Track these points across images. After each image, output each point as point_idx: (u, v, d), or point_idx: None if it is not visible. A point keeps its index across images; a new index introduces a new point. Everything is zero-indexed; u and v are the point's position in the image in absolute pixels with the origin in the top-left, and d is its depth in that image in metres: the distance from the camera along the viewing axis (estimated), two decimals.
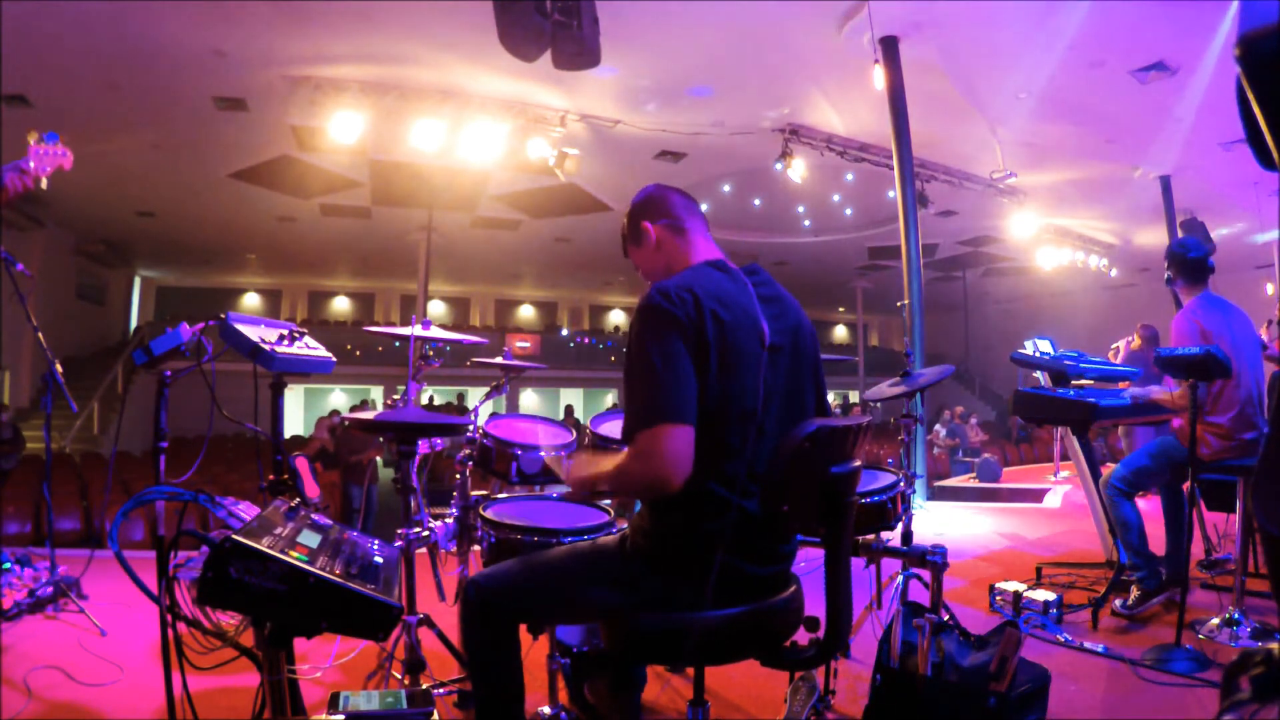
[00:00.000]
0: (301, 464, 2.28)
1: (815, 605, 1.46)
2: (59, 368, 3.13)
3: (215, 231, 14.53)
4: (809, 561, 2.01)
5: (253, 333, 2.15)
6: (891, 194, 8.77)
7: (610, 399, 21.28)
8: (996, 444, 13.04)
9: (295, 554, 1.36)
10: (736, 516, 1.39)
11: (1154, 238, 12.20)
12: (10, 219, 11.20)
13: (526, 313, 23.92)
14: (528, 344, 19.31)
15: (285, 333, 2.29)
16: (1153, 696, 2.46)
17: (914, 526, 3.00)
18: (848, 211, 13.75)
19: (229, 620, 1.65)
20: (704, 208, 1.72)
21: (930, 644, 1.92)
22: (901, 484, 2.60)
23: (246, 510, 1.69)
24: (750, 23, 6.54)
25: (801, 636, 1.49)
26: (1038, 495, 7.61)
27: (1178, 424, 3.23)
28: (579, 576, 1.53)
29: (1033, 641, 2.93)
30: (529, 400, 21.34)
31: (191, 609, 1.38)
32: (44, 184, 2.82)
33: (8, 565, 3.46)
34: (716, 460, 1.39)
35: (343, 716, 1.44)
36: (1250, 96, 0.72)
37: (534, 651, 2.11)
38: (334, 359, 2.45)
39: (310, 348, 2.37)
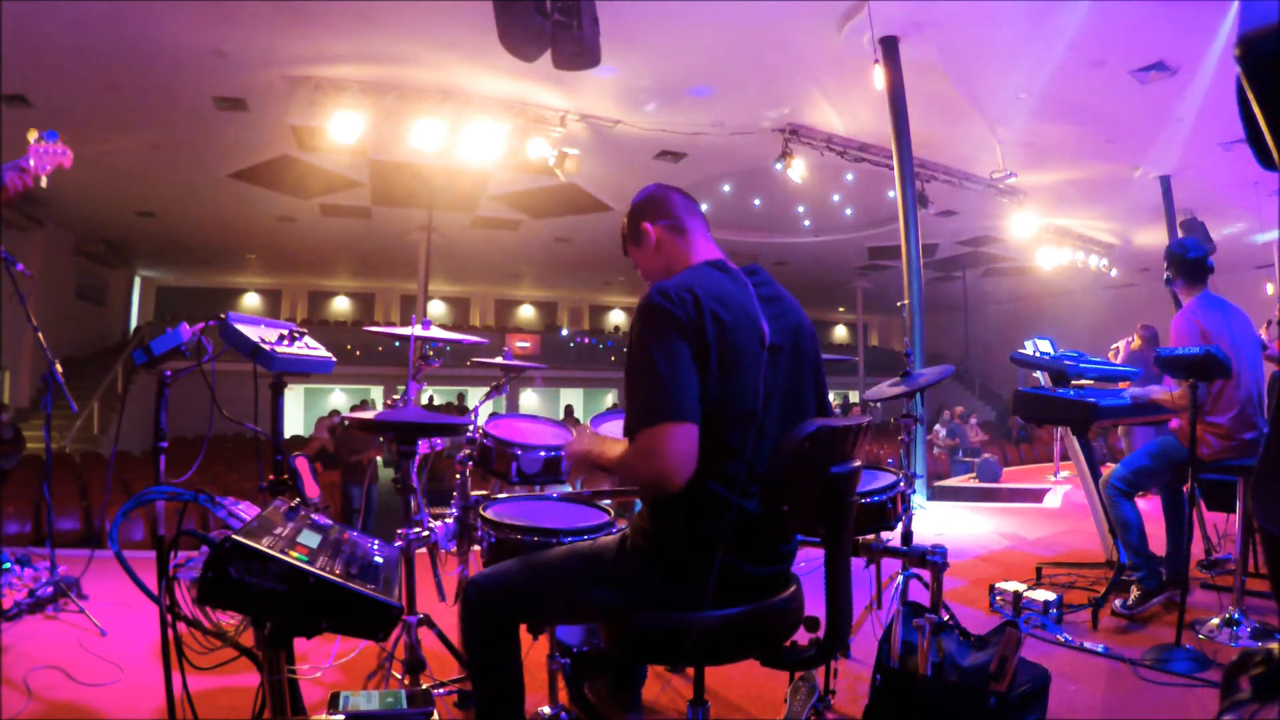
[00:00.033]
0: (301, 464, 2.28)
1: (815, 605, 1.46)
2: (59, 368, 3.13)
3: (215, 231, 14.54)
4: (809, 561, 2.01)
5: (253, 333, 2.15)
6: (891, 194, 8.77)
7: (610, 399, 21.28)
8: (996, 444, 13.04)
9: (295, 554, 1.35)
10: (736, 516, 1.39)
11: (1154, 238, 12.20)
12: (10, 219, 11.21)
13: (526, 313, 23.93)
14: (528, 344, 19.31)
15: (285, 333, 2.29)
16: (1153, 696, 2.46)
17: (914, 526, 3.00)
18: (848, 211, 13.76)
19: (229, 620, 1.65)
20: (704, 208, 1.72)
21: (930, 644, 1.92)
22: (901, 484, 2.60)
23: (246, 510, 1.69)
24: (750, 23, 6.54)
25: (801, 636, 1.49)
26: (1038, 495, 7.61)
27: (1175, 424, 3.23)
28: (579, 576, 1.53)
29: (1033, 641, 2.93)
30: (529, 400, 21.34)
31: (191, 609, 1.38)
32: (44, 183, 2.82)
33: (8, 565, 3.46)
34: (716, 460, 1.39)
35: (343, 716, 1.44)
36: (1250, 96, 0.72)
37: (534, 651, 2.11)
38: (334, 359, 2.45)
39: (310, 348, 2.37)
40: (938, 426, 12.51)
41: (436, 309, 21.69)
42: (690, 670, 2.00)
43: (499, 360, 2.80)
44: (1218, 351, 2.66)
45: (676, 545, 1.43)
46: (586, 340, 21.42)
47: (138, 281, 19.38)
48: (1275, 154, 0.72)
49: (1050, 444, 10.97)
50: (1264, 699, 0.69)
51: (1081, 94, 7.71)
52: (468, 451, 2.44)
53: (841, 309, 25.01)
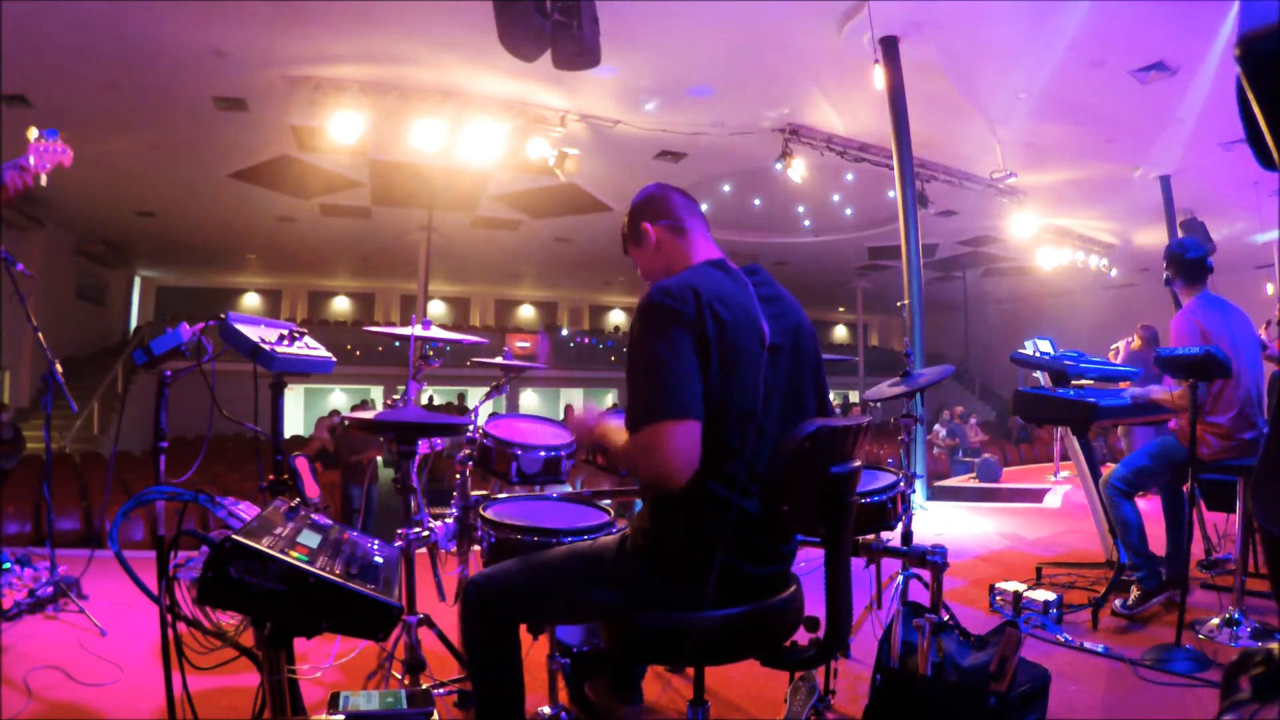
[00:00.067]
0: (301, 464, 2.28)
1: (815, 605, 1.46)
2: (59, 368, 3.13)
3: (215, 231, 14.54)
4: (809, 561, 2.01)
5: (253, 333, 2.15)
6: (891, 194, 8.77)
7: (610, 399, 21.28)
8: (996, 444, 13.04)
9: (295, 554, 1.35)
10: (736, 516, 1.39)
11: (1154, 238, 12.20)
12: (10, 219, 11.21)
13: (526, 313, 23.93)
14: (527, 344, 19.31)
15: (285, 333, 2.29)
16: (1153, 696, 2.46)
17: (914, 526, 3.00)
18: (848, 211, 13.76)
19: (229, 620, 1.65)
20: (704, 208, 1.72)
21: (930, 644, 1.92)
22: (901, 484, 2.60)
23: (246, 510, 1.69)
24: (750, 23, 6.54)
25: (801, 636, 1.49)
26: (1038, 495, 7.61)
27: (1174, 424, 3.24)
28: (579, 576, 1.53)
29: (1033, 641, 2.93)
30: (529, 400, 21.34)
31: (191, 609, 1.38)
32: (44, 181, 2.81)
33: (8, 565, 3.46)
34: (717, 460, 1.39)
35: (343, 716, 1.44)
36: (1250, 96, 0.72)
37: (534, 651, 2.11)
38: (334, 359, 2.45)
39: (310, 348, 2.37)
40: (938, 426, 12.51)
41: (436, 309, 21.69)
42: (690, 670, 2.00)
43: (499, 360, 2.80)
44: (1218, 351, 2.66)
45: (676, 545, 1.43)
46: (586, 340, 21.42)
47: (138, 281, 19.38)
48: (1275, 154, 0.72)
49: (1050, 444, 10.97)
50: (1264, 699, 0.69)
51: (1081, 94, 7.71)
52: (468, 451, 2.45)
53: (841, 309, 25.01)
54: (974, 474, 9.88)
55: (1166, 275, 3.27)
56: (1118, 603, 3.21)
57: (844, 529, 1.41)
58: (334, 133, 7.72)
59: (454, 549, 2.43)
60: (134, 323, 18.69)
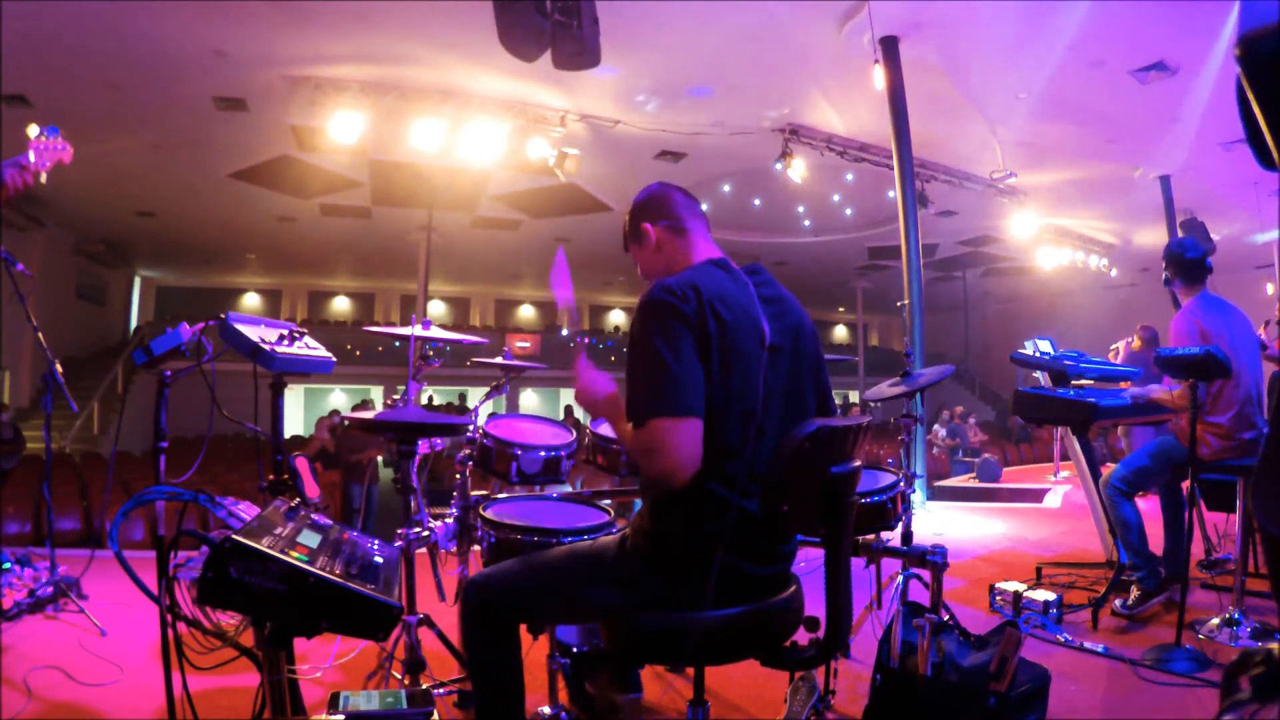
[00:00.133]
0: (301, 464, 2.28)
1: (815, 605, 1.46)
2: (59, 368, 3.13)
3: (215, 231, 14.54)
4: (809, 561, 2.01)
5: (253, 333, 2.15)
6: (891, 194, 8.77)
7: None
8: (996, 444, 13.04)
9: (295, 554, 1.35)
10: (736, 516, 1.39)
11: (1154, 238, 12.20)
12: (10, 219, 11.21)
13: (526, 313, 23.93)
14: (528, 344, 19.31)
15: (285, 333, 2.29)
16: (1153, 696, 2.46)
17: (914, 526, 3.00)
18: (848, 211, 13.75)
19: (229, 620, 1.65)
20: (704, 208, 1.72)
21: (930, 644, 1.92)
22: (901, 484, 2.60)
23: (246, 510, 1.69)
24: (750, 23, 6.54)
25: (801, 636, 1.49)
26: (1038, 495, 7.61)
27: (1174, 424, 3.24)
28: (579, 576, 1.53)
29: (1033, 641, 2.93)
30: (529, 400, 21.34)
31: (191, 609, 1.38)
32: (44, 179, 2.81)
33: (8, 565, 3.46)
34: (717, 460, 1.39)
35: (343, 716, 1.44)
36: (1250, 96, 0.72)
37: (534, 651, 2.11)
38: (334, 359, 2.45)
39: (310, 348, 2.37)
40: (937, 426, 12.52)
41: (436, 309, 21.70)
42: (690, 670, 2.00)
43: (499, 360, 2.80)
44: (1217, 351, 2.66)
45: (676, 545, 1.43)
46: (586, 340, 21.35)
47: (138, 281, 19.38)
48: (1275, 154, 0.72)
49: (1050, 444, 10.97)
50: (1264, 699, 0.69)
51: (1081, 94, 7.71)
52: (468, 451, 2.45)
53: (841, 309, 25.01)
54: (974, 474, 9.89)
55: (1166, 275, 3.27)
56: (1118, 603, 3.21)
57: (844, 529, 1.41)
58: (334, 133, 7.72)
59: (454, 549, 2.43)
60: (134, 323, 18.69)
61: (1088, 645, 2.87)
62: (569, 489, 2.85)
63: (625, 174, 10.35)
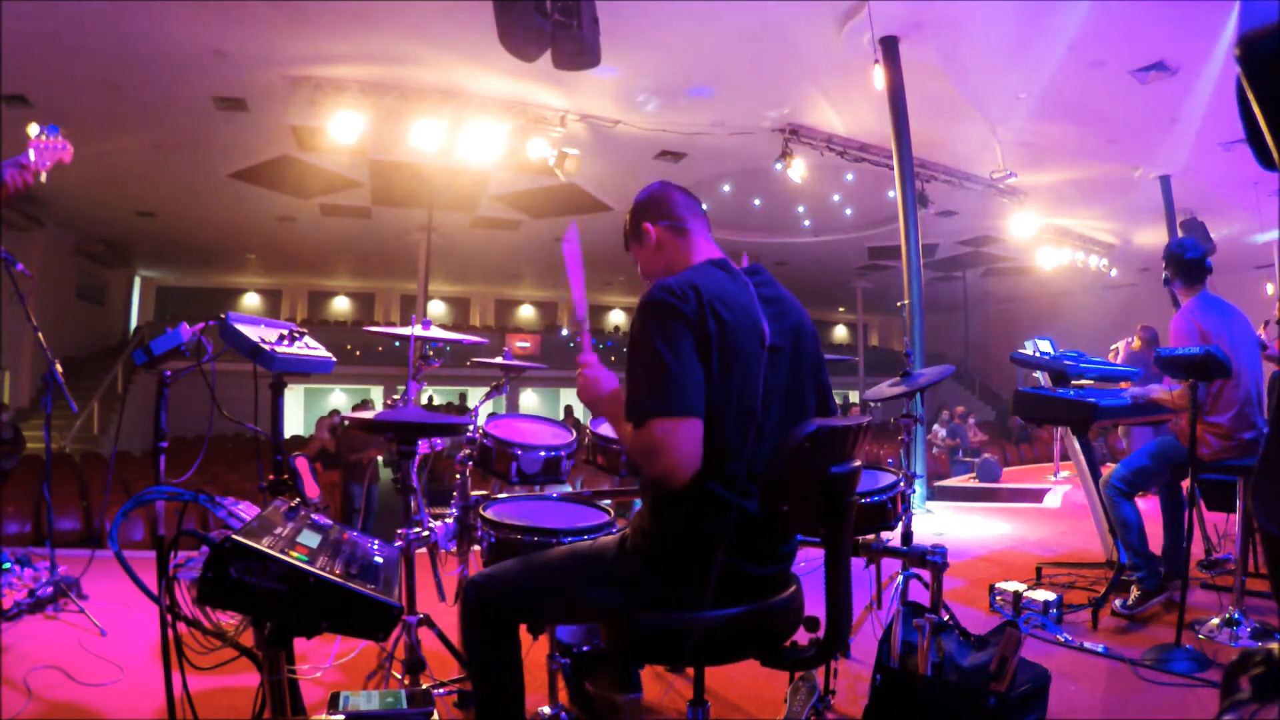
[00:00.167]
0: (301, 464, 2.28)
1: (815, 605, 1.46)
2: (59, 368, 3.13)
3: (215, 231, 14.54)
4: (809, 561, 2.01)
5: (253, 333, 2.15)
6: (891, 194, 8.77)
7: None
8: (996, 444, 13.04)
9: (295, 554, 1.35)
10: (736, 516, 1.39)
11: (1154, 238, 12.20)
12: (10, 219, 11.21)
13: (526, 313, 23.93)
14: (528, 344, 19.31)
15: (285, 333, 2.29)
16: (1153, 696, 2.46)
17: (914, 526, 3.00)
18: (848, 211, 13.75)
19: (229, 620, 1.65)
20: (704, 207, 1.72)
21: (930, 644, 1.92)
22: (901, 484, 2.60)
23: (246, 510, 1.69)
24: (750, 23, 6.54)
25: (801, 636, 1.49)
26: (1038, 495, 7.61)
27: (1174, 424, 3.23)
28: (579, 576, 1.53)
29: (1033, 641, 2.92)
30: (529, 400, 21.34)
31: (191, 609, 1.38)
32: (44, 178, 2.81)
33: (8, 565, 3.46)
34: (716, 460, 1.39)
35: (343, 716, 1.44)
36: (1250, 96, 0.72)
37: (534, 651, 2.11)
38: (334, 359, 2.45)
39: (310, 348, 2.37)
40: (937, 426, 12.51)
41: (436, 309, 21.70)
42: (690, 670, 2.00)
43: (499, 360, 2.80)
44: (1217, 351, 2.66)
45: (676, 545, 1.43)
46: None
47: (138, 281, 19.39)
48: (1275, 154, 0.72)
49: (1050, 444, 10.97)
50: (1264, 699, 0.69)
51: (1081, 94, 7.71)
52: (468, 451, 2.45)
53: (841, 309, 25.01)
54: (974, 474, 9.88)
55: (1165, 275, 3.27)
56: (1118, 603, 3.21)
57: (844, 529, 1.41)
58: (334, 133, 7.72)
59: (454, 549, 2.43)
60: (134, 323, 18.69)
61: (1088, 645, 2.87)
62: (569, 489, 2.85)
63: (625, 174, 10.35)
